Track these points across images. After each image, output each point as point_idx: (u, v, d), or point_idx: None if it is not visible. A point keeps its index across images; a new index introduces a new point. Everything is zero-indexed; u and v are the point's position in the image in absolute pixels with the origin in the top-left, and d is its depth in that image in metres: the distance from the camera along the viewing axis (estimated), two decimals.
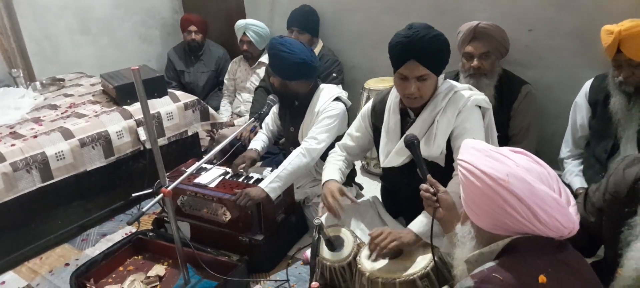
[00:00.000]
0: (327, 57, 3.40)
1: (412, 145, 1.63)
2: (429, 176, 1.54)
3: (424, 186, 1.53)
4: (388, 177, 2.24)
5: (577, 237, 1.20)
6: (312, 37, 3.43)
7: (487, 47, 2.43)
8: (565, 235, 1.09)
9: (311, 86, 2.52)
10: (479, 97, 1.92)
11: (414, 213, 1.81)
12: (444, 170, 1.91)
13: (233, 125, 3.65)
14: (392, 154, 2.00)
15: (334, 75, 3.22)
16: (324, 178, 2.11)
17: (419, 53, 1.76)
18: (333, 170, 2.14)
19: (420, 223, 1.76)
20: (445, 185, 1.61)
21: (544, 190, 1.06)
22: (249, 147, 2.67)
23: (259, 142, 2.73)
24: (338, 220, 2.03)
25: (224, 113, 3.85)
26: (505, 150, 1.17)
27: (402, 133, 1.98)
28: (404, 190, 2.10)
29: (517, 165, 1.10)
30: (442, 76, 1.94)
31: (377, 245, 1.75)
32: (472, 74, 2.46)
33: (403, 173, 2.03)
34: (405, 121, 1.99)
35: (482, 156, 1.15)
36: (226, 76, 3.98)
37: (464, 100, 1.87)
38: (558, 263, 1.07)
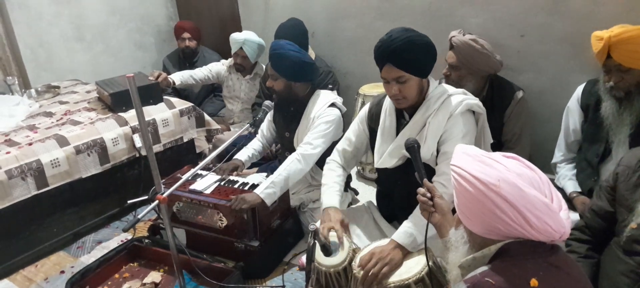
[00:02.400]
0: (320, 69, 3.37)
1: (413, 149, 1.63)
2: (425, 180, 1.55)
3: (421, 190, 1.54)
4: (382, 180, 2.26)
5: (597, 228, 1.63)
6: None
7: (457, 60, 2.49)
8: (556, 240, 1.10)
9: (308, 90, 2.54)
10: (472, 101, 1.94)
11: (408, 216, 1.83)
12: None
13: (229, 130, 3.65)
14: (386, 155, 2.03)
15: (330, 87, 3.22)
16: (325, 203, 2.06)
17: (393, 56, 1.82)
18: (333, 193, 2.09)
19: (403, 235, 1.76)
20: None
21: (535, 195, 1.07)
22: (235, 157, 2.66)
23: (248, 150, 2.71)
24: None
25: (175, 77, 3.62)
26: (497, 155, 1.18)
27: (397, 134, 2.01)
28: (398, 193, 2.12)
29: (509, 170, 1.11)
30: (433, 79, 1.98)
31: (373, 274, 1.69)
32: (443, 79, 2.53)
33: (397, 176, 2.05)
34: (400, 123, 2.02)
35: (473, 161, 1.16)
36: (209, 67, 3.77)
37: (456, 104, 1.90)
38: (549, 266, 1.08)
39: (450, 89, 1.98)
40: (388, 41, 1.83)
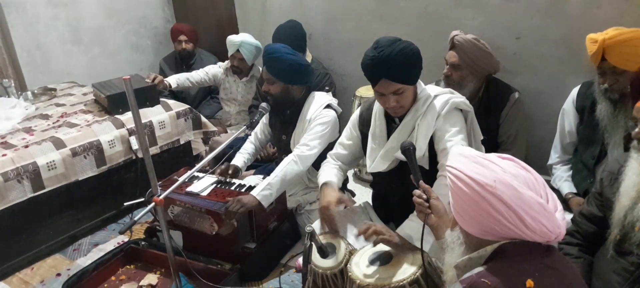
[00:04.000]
0: (317, 71, 3.36)
1: (408, 152, 1.64)
2: (421, 182, 1.56)
3: (417, 192, 1.55)
4: (377, 182, 2.27)
5: (588, 232, 1.67)
6: (299, 52, 3.40)
7: (459, 60, 2.48)
8: (552, 240, 1.11)
9: (304, 93, 2.54)
10: (458, 99, 1.97)
11: (404, 219, 1.83)
12: (429, 172, 1.94)
13: (226, 132, 3.65)
14: (378, 159, 2.04)
15: (327, 89, 3.22)
16: (321, 180, 2.11)
17: (388, 71, 1.81)
18: (329, 172, 2.16)
19: (409, 227, 1.78)
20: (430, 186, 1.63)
21: (530, 196, 1.08)
22: (231, 163, 2.66)
23: (243, 156, 2.72)
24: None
25: (171, 80, 3.64)
26: (493, 156, 1.19)
27: (388, 138, 2.02)
28: (394, 196, 2.12)
29: (504, 171, 1.11)
30: (420, 82, 1.99)
31: (373, 232, 1.71)
32: (444, 80, 2.54)
33: (392, 178, 2.06)
34: (391, 126, 2.04)
35: (469, 162, 1.16)
36: (206, 69, 3.76)
37: (443, 104, 1.93)
38: (545, 267, 1.08)
39: (436, 89, 2.00)
40: (379, 56, 1.80)
